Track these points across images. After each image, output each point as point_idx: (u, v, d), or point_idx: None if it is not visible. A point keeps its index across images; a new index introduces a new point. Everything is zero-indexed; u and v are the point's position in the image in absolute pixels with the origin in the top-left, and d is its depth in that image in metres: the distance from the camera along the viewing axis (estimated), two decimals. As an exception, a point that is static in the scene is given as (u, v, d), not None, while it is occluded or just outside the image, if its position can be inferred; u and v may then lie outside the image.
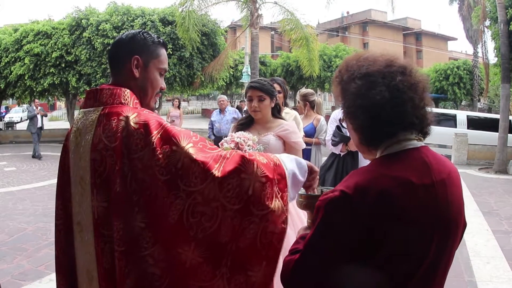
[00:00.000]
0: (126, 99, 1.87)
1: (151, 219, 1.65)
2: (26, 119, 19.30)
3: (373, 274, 1.45)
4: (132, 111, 1.79)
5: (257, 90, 3.55)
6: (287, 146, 3.57)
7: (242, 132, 3.39)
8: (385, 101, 1.49)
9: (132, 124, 1.72)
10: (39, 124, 17.07)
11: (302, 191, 2.03)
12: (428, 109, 1.59)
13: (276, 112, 3.72)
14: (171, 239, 1.66)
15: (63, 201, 2.02)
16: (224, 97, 12.03)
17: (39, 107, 17.71)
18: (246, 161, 1.70)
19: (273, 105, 3.62)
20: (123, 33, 2.04)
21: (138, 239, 1.66)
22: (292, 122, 3.84)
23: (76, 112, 19.36)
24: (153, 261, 1.65)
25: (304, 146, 3.70)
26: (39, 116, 17.02)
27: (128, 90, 1.90)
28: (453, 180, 1.57)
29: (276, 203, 1.72)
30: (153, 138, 1.68)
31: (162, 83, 2.08)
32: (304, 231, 1.91)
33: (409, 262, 1.47)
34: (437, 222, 1.49)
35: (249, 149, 3.18)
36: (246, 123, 3.71)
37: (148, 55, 1.98)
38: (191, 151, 1.67)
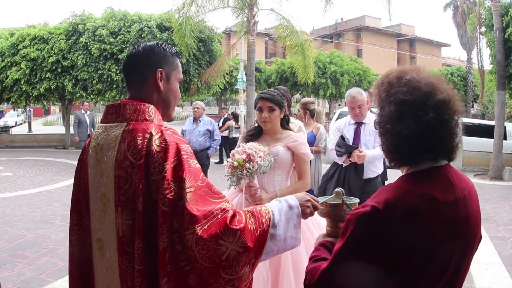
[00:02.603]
0: (151, 116, 1.86)
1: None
2: (21, 123, 18.92)
3: (398, 285, 1.52)
4: (156, 130, 1.78)
5: (267, 101, 3.59)
6: (295, 157, 3.62)
7: (253, 143, 3.42)
8: (412, 136, 1.55)
9: (154, 145, 1.73)
10: (89, 131, 15.21)
11: (323, 199, 2.08)
12: (458, 137, 1.63)
13: (285, 123, 3.76)
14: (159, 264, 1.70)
15: (78, 216, 2.02)
16: (200, 103, 10.10)
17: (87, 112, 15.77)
18: (229, 230, 1.67)
19: (282, 116, 3.67)
20: (137, 46, 2.00)
21: (155, 260, 1.69)
22: (301, 133, 3.88)
23: (72, 117, 19.27)
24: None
25: (312, 157, 3.75)
26: (88, 121, 15.48)
27: (152, 106, 1.89)
28: (473, 196, 1.64)
29: (245, 269, 1.72)
30: (167, 165, 1.68)
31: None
32: (323, 238, 1.97)
33: (432, 273, 1.54)
34: (458, 236, 1.56)
35: (260, 160, 3.22)
36: (255, 134, 3.74)
37: (169, 67, 1.98)
38: (188, 196, 1.66)
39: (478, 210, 1.66)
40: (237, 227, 1.70)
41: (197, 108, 9.76)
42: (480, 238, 1.70)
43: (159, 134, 1.77)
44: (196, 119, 9.73)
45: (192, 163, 1.75)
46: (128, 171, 1.75)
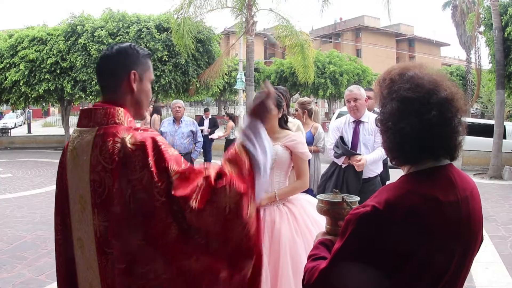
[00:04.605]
0: (120, 119, 1.89)
1: (150, 237, 1.73)
2: (20, 125, 18.87)
3: (398, 286, 1.50)
4: (127, 132, 1.82)
5: None
6: (294, 157, 3.59)
7: None
8: (414, 134, 1.53)
9: (129, 145, 1.76)
10: None
11: (323, 196, 2.07)
12: (461, 136, 1.61)
13: (283, 123, 3.73)
14: (172, 254, 1.75)
15: (62, 217, 2.05)
16: (180, 102, 9.15)
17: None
18: (217, 190, 1.75)
19: (280, 115, 3.65)
20: (110, 48, 2.03)
21: (138, 256, 1.74)
22: (299, 132, 3.86)
23: (71, 119, 19.25)
24: (154, 276, 1.75)
25: (310, 156, 3.73)
26: None
27: (122, 109, 1.93)
28: (475, 197, 1.62)
29: (250, 210, 1.80)
30: (150, 160, 1.73)
31: None
32: (322, 236, 1.96)
33: (433, 274, 1.52)
34: (460, 237, 1.54)
35: None
36: None
37: (142, 68, 2.02)
38: (176, 183, 1.73)
39: (480, 211, 1.64)
40: (224, 184, 1.77)
41: (179, 107, 8.94)
42: (482, 239, 1.68)
43: (130, 134, 1.81)
44: (177, 120, 8.93)
45: (171, 151, 1.81)
46: (101, 175, 1.79)
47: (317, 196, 2.12)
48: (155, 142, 1.78)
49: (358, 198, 2.04)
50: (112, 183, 1.74)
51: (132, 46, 2.03)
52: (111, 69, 1.99)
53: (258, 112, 2.00)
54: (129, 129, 1.85)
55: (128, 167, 1.73)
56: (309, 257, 1.78)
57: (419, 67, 1.65)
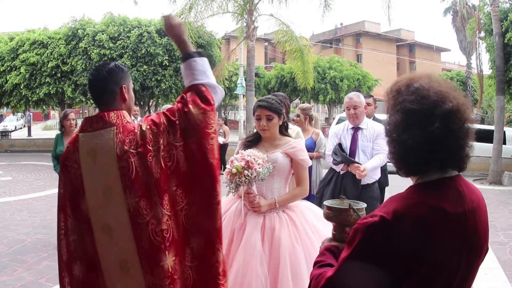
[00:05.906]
0: (128, 119, 2.38)
1: (180, 179, 2.30)
2: (20, 128, 18.80)
3: None
4: (140, 124, 2.32)
5: (266, 109, 3.56)
6: (294, 164, 3.59)
7: (252, 150, 3.41)
8: (418, 146, 1.54)
9: (145, 129, 2.27)
10: None
11: (330, 203, 2.08)
12: (468, 147, 1.61)
13: (284, 130, 3.73)
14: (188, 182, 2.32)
15: (72, 211, 2.38)
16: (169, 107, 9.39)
17: None
18: (186, 113, 2.35)
19: (281, 123, 3.64)
20: (100, 70, 2.43)
21: (175, 198, 2.28)
22: (299, 139, 3.87)
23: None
24: (185, 205, 2.32)
25: (310, 163, 3.72)
26: None
27: (126, 112, 2.41)
28: (482, 208, 1.63)
29: (212, 118, 2.40)
30: (161, 127, 2.28)
31: None
32: (328, 242, 1.97)
33: (440, 284, 1.54)
34: (466, 248, 1.55)
35: (259, 167, 3.22)
36: (253, 140, 3.71)
37: (127, 80, 2.49)
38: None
39: (487, 222, 1.65)
40: (188, 107, 2.37)
41: None
42: (487, 249, 1.69)
43: (143, 123, 2.31)
44: None
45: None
46: (129, 161, 2.22)
47: (323, 203, 2.13)
48: (157, 115, 2.34)
49: (365, 205, 2.04)
50: (143, 161, 2.21)
51: (117, 65, 2.47)
52: (107, 87, 2.41)
53: (175, 33, 2.64)
54: (138, 124, 2.34)
55: (149, 141, 2.24)
56: (315, 263, 1.79)
57: (427, 78, 1.64)
